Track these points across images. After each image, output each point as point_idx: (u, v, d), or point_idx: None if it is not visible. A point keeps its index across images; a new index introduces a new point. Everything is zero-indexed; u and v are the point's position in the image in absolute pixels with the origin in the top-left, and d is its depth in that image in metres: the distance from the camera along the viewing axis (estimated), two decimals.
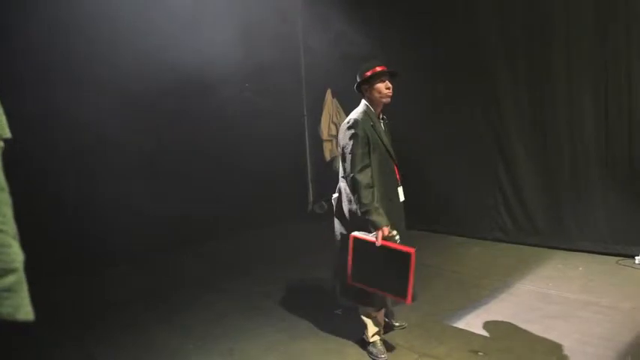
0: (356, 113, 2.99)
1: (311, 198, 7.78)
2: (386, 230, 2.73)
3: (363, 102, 3.05)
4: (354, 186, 2.83)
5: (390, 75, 2.99)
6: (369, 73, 2.95)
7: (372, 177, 2.84)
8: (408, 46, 5.83)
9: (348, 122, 2.94)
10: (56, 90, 4.92)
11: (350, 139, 2.87)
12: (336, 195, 3.17)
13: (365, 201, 2.78)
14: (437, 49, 5.74)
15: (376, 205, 2.79)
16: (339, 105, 7.08)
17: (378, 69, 2.94)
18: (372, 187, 2.82)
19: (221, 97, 6.25)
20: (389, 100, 3.00)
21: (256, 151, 6.68)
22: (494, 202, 5.45)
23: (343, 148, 2.92)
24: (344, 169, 2.94)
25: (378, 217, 2.75)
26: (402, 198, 3.10)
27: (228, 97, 6.37)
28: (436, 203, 5.92)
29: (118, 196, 5.39)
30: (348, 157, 2.86)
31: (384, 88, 2.96)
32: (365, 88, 3.00)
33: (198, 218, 6.01)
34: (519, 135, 5.17)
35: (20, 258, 1.03)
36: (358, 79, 3.01)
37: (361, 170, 2.82)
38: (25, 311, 1.02)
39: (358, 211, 2.82)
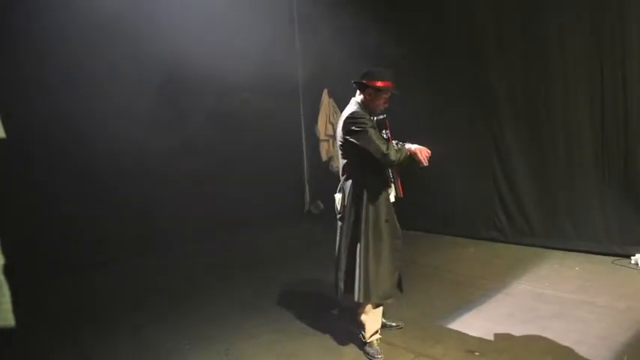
0: (356, 107, 3.00)
1: (307, 198, 7.76)
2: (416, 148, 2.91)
3: (355, 101, 3.06)
4: (392, 161, 2.87)
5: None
6: (380, 84, 2.95)
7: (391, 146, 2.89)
8: (407, 46, 5.81)
9: (354, 113, 2.95)
10: (53, 91, 4.89)
11: (360, 126, 2.88)
12: (339, 195, 3.15)
13: (397, 155, 2.86)
14: (436, 49, 5.74)
15: (394, 149, 2.87)
16: (335, 105, 7.07)
17: (388, 85, 2.97)
18: (392, 147, 2.88)
19: (218, 97, 6.23)
20: (379, 111, 3.06)
21: (253, 150, 6.66)
22: (490, 202, 5.45)
23: (355, 135, 2.90)
24: (374, 151, 2.89)
25: (404, 148, 2.90)
26: (392, 199, 3.09)
27: (226, 97, 6.35)
28: (432, 203, 5.92)
29: (113, 197, 5.37)
30: (372, 137, 2.86)
31: (382, 102, 3.03)
32: (369, 91, 3.00)
33: (194, 218, 5.99)
34: (516, 136, 5.18)
35: None
36: (365, 81, 2.98)
37: (385, 145, 2.85)
38: (3, 317, 0.94)
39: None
